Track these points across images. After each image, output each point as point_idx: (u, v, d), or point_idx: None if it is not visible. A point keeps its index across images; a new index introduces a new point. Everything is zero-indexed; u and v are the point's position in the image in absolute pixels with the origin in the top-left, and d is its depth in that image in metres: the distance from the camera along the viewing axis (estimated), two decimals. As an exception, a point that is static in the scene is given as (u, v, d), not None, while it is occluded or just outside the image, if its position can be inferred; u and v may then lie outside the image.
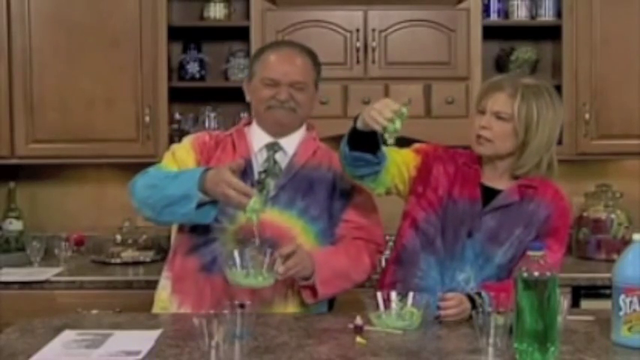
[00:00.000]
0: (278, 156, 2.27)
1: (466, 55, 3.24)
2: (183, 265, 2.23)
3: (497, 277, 2.15)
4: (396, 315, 1.99)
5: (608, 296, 1.92)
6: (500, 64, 3.53)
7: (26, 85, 3.29)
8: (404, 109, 1.91)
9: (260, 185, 2.21)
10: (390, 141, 1.94)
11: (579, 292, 3.00)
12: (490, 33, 3.34)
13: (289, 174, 2.25)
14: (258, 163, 2.26)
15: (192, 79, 3.45)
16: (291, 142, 2.29)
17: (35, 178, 3.62)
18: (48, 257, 3.33)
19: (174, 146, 2.35)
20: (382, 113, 1.90)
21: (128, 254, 3.38)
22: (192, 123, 3.49)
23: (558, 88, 3.06)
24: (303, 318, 2.11)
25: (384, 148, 2.07)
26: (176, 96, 3.44)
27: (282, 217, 2.20)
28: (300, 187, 2.24)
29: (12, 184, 3.55)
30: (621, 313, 1.83)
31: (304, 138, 2.32)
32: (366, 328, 1.94)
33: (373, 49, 3.23)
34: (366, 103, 3.13)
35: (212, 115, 3.47)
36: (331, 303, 2.37)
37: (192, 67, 3.45)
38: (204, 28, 3.48)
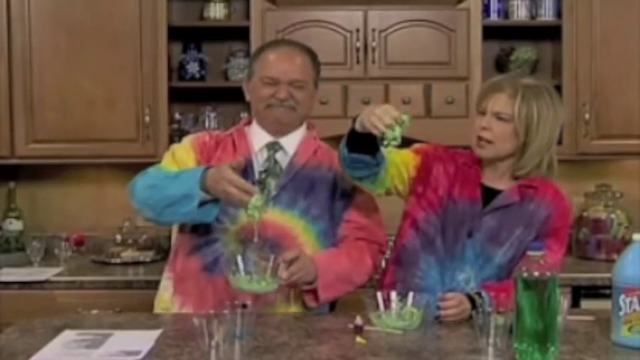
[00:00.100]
0: (278, 155, 2.27)
1: (466, 55, 3.24)
2: (184, 266, 2.22)
3: (497, 277, 2.14)
4: (396, 315, 1.99)
5: (608, 296, 1.92)
6: (500, 64, 3.52)
7: (26, 85, 3.28)
8: (404, 117, 1.90)
9: (261, 185, 2.20)
10: (390, 148, 1.94)
11: (579, 292, 3.00)
12: (490, 33, 3.34)
13: (290, 174, 2.24)
14: (259, 163, 2.26)
15: (192, 79, 3.45)
16: (291, 142, 2.29)
17: (35, 178, 3.62)
18: (48, 257, 3.33)
19: (174, 146, 2.34)
20: (382, 119, 1.89)
21: (128, 254, 3.38)
22: (192, 123, 3.49)
23: (558, 88, 3.06)
24: (303, 318, 2.10)
25: (382, 150, 2.06)
26: (176, 96, 3.43)
27: (283, 217, 2.19)
28: (302, 187, 2.23)
29: (12, 184, 3.54)
30: (621, 313, 1.83)
31: (305, 137, 2.32)
32: (366, 328, 1.94)
33: (373, 49, 3.23)
34: (366, 103, 3.14)
35: (212, 115, 3.47)
36: (333, 304, 2.36)
37: (192, 67, 3.45)
38: (204, 28, 3.48)
